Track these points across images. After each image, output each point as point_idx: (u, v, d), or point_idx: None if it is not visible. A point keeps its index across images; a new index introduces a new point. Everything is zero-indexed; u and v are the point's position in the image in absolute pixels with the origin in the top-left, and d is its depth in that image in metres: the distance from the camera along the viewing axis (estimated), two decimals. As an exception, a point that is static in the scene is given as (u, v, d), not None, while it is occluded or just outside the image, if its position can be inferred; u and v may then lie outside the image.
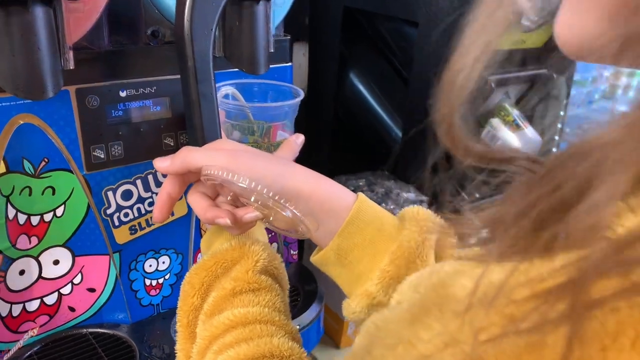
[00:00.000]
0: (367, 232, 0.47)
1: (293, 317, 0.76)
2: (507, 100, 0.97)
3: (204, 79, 0.55)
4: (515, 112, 0.96)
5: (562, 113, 1.10)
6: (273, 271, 0.50)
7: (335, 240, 0.46)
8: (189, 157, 0.47)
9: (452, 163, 0.39)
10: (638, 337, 0.19)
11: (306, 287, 0.80)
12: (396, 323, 0.30)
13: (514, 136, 0.93)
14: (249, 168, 0.45)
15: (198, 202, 0.48)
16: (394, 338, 0.28)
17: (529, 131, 0.95)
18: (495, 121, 0.95)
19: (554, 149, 1.14)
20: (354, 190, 1.05)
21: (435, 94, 0.35)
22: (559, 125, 1.11)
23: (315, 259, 0.50)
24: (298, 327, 0.74)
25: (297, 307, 0.77)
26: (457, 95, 0.33)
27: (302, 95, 0.66)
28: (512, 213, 0.26)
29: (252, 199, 0.45)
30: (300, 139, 0.62)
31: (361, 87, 1.15)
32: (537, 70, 0.99)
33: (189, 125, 0.57)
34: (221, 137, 0.56)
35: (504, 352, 0.21)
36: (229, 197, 0.49)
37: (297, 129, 0.86)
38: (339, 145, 1.16)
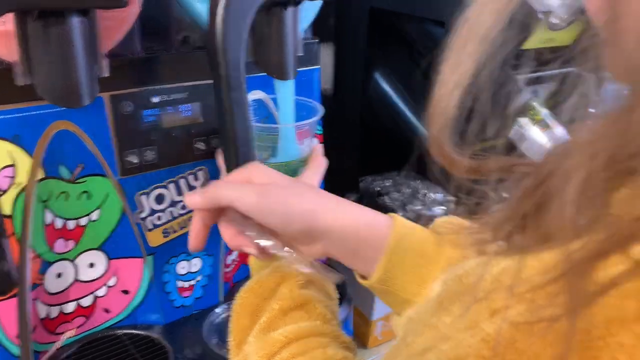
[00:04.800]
0: (408, 261, 0.47)
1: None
2: (537, 99, 0.96)
3: (236, 87, 0.56)
4: (544, 111, 0.94)
5: (592, 110, 1.08)
6: (317, 282, 0.52)
7: (376, 273, 0.47)
8: (219, 193, 0.47)
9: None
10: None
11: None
12: (424, 313, 0.33)
13: (543, 135, 0.92)
14: (280, 206, 0.46)
15: (226, 229, 0.49)
16: (422, 325, 0.31)
17: (559, 130, 0.93)
18: (524, 120, 0.94)
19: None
20: (380, 192, 1.04)
21: (426, 116, 0.40)
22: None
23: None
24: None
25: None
26: (442, 119, 0.38)
27: (320, 113, 0.67)
28: (505, 215, 0.29)
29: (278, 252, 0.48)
30: (320, 147, 0.67)
31: (387, 88, 1.15)
32: (567, 69, 0.97)
33: (222, 135, 0.58)
34: (254, 147, 0.57)
35: (522, 331, 0.23)
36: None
37: (323, 130, 0.86)
38: (365, 145, 1.15)
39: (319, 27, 0.94)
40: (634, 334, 0.21)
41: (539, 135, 0.92)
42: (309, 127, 0.67)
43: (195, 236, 0.50)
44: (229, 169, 0.58)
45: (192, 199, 0.49)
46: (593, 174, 0.22)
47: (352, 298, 0.80)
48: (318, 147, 0.68)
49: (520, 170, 0.36)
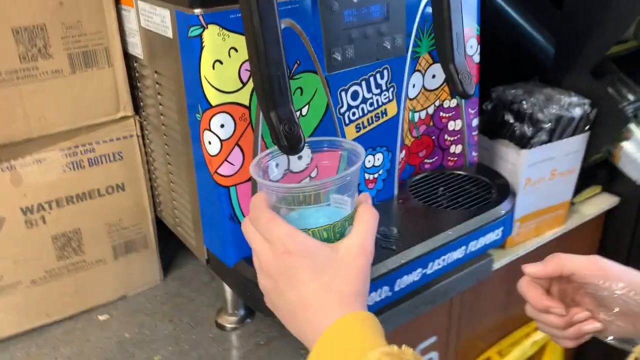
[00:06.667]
0: None
1: (489, 209, 0.82)
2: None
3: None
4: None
5: None
6: None
7: None
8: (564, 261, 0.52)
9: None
10: None
11: (497, 181, 0.86)
12: None
13: None
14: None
15: (531, 290, 0.53)
16: None
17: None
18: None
19: None
20: (514, 99, 1.07)
21: None
22: None
23: None
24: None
25: (492, 199, 0.82)
26: None
27: (361, 158, 0.56)
28: None
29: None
30: (367, 196, 0.56)
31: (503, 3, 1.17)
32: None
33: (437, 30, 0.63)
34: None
35: None
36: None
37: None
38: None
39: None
40: None
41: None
42: (350, 178, 0.54)
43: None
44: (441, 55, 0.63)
45: (533, 269, 0.54)
46: None
47: (515, 194, 0.86)
48: (365, 198, 0.55)
49: None
